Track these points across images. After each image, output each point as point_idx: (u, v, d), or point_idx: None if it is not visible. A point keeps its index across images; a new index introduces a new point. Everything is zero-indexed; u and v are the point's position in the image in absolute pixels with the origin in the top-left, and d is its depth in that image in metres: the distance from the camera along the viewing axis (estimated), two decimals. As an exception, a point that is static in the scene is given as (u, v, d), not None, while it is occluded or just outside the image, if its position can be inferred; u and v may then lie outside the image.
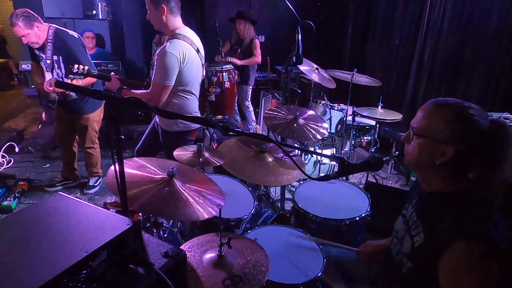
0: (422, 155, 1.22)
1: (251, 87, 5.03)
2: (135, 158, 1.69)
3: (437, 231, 1.15)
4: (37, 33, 2.91)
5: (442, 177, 1.22)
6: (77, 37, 3.10)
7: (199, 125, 2.57)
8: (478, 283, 1.03)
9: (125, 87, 2.46)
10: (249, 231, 1.86)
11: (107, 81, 2.49)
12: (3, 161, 4.05)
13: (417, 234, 1.24)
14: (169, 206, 1.44)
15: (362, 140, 3.77)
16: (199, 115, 2.67)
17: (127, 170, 1.38)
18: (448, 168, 1.19)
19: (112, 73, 2.51)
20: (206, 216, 1.46)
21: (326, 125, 2.53)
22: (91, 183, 3.64)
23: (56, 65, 3.05)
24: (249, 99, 5.06)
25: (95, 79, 3.06)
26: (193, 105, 2.53)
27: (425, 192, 1.29)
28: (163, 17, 2.28)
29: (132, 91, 2.42)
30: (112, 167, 1.03)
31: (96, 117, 3.39)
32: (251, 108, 5.11)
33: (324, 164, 3.68)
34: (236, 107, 5.32)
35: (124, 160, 1.04)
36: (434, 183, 1.25)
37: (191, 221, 1.97)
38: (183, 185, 1.55)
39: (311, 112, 2.62)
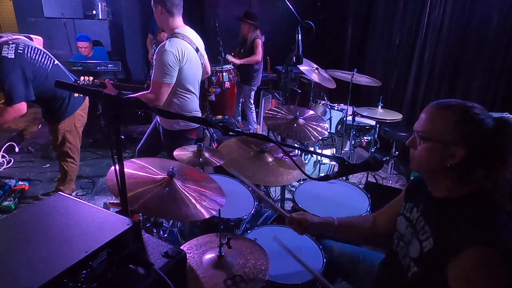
0: (431, 159, 1.20)
1: (254, 88, 4.95)
2: (134, 159, 1.69)
3: (448, 237, 1.13)
4: None
5: (451, 180, 1.21)
6: (12, 56, 2.44)
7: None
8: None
9: (123, 92, 2.46)
10: (249, 231, 1.86)
11: (103, 88, 2.49)
12: (3, 161, 4.05)
13: (426, 239, 1.22)
14: (169, 206, 1.44)
15: (362, 140, 3.77)
16: (199, 114, 2.67)
17: (127, 170, 1.38)
18: (457, 170, 1.17)
19: (107, 80, 2.49)
20: (206, 216, 1.46)
21: (326, 125, 2.53)
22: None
23: None
24: (251, 100, 5.02)
25: None
26: (193, 104, 2.54)
27: (432, 197, 1.27)
28: (161, 16, 2.35)
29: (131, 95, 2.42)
30: (112, 167, 1.03)
31: (66, 126, 2.90)
32: (253, 109, 5.09)
33: (324, 164, 3.67)
34: (240, 107, 5.31)
35: (124, 161, 1.04)
36: (443, 188, 1.23)
37: (191, 221, 1.97)
38: (183, 185, 1.55)
39: (311, 112, 2.62)
